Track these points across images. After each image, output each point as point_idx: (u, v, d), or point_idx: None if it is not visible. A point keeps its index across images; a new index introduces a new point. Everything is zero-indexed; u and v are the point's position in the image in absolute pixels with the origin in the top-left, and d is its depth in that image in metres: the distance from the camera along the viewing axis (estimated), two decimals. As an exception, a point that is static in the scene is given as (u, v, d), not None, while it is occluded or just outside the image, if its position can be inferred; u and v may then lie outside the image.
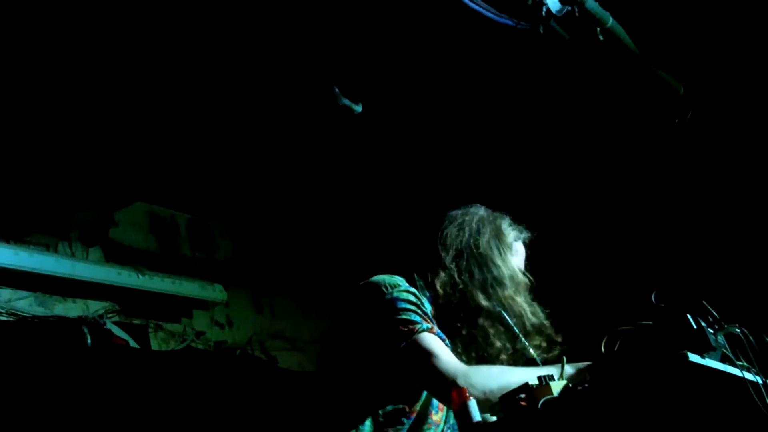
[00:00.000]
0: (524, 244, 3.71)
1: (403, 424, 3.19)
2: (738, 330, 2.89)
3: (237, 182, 7.02)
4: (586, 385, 2.72)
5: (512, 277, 3.46)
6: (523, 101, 6.28)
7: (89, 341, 6.20)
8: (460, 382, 2.93)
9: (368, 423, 3.15)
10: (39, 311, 6.28)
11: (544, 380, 2.75)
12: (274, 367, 7.65)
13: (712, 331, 2.79)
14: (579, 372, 2.97)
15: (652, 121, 6.11)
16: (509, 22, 4.73)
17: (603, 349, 2.96)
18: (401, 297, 3.16)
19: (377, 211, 7.26)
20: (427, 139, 6.51)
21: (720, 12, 5.63)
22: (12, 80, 5.34)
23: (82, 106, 5.53)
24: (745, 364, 2.87)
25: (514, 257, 3.58)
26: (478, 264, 3.43)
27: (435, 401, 3.26)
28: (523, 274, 3.60)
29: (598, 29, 4.94)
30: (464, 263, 3.43)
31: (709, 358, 2.69)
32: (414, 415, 3.22)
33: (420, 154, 6.69)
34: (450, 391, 2.90)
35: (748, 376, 2.82)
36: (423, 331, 3.07)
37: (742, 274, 6.16)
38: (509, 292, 3.41)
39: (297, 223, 7.88)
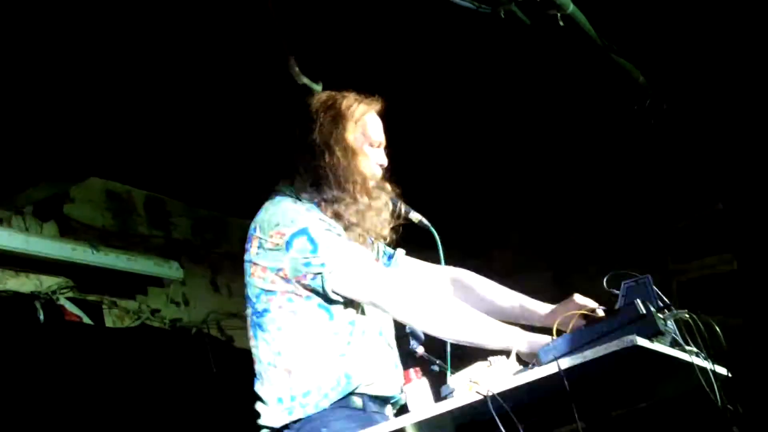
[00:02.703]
0: (379, 114, 3.64)
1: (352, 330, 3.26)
2: (687, 315, 2.91)
3: (195, 160, 6.98)
4: (536, 365, 2.74)
5: (349, 160, 3.42)
6: (482, 84, 6.28)
7: (42, 317, 6.17)
8: (386, 286, 3.14)
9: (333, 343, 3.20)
10: (-9, 286, 6.24)
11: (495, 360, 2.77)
12: (230, 347, 7.64)
13: (661, 316, 2.80)
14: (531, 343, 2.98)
15: (610, 107, 6.16)
16: (470, 5, 4.74)
17: (554, 332, 2.98)
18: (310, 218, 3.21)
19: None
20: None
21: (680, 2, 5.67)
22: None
23: (37, 80, 5.48)
24: (695, 349, 2.89)
25: (366, 132, 3.54)
26: (318, 154, 3.41)
27: None
28: (379, 146, 3.59)
29: (559, 15, 4.96)
30: (308, 156, 3.43)
31: (658, 342, 2.70)
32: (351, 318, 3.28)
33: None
34: (381, 299, 3.14)
35: (697, 361, 2.84)
36: (334, 247, 3.15)
37: (692, 259, 6.23)
38: (349, 175, 3.39)
39: (257, 204, 7.85)
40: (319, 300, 3.20)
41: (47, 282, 6.51)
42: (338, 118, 3.48)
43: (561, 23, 5.04)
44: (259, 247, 3.27)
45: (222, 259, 8.01)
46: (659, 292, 2.92)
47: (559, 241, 7.65)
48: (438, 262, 3.63)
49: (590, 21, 5.32)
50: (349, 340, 3.22)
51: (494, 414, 2.59)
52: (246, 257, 3.35)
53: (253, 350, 3.39)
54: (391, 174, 3.60)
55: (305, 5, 5.16)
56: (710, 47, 5.94)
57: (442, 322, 3.12)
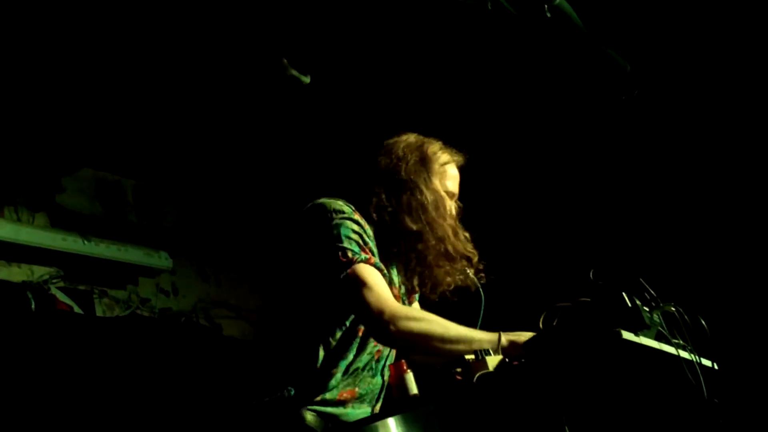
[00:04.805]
0: (458, 167, 3.79)
1: (351, 345, 3.29)
2: (674, 309, 2.93)
3: (185, 150, 6.99)
4: (522, 360, 2.76)
5: (436, 202, 3.57)
6: (469, 75, 6.29)
7: (33, 306, 6.17)
8: (386, 316, 3.06)
9: (321, 351, 3.23)
10: (-18, 276, 6.25)
11: (480, 355, 2.79)
12: (218, 335, 7.65)
13: (648, 309, 2.82)
14: (513, 345, 3.01)
15: (597, 97, 6.15)
16: (457, -4, 4.75)
17: (541, 325, 3.00)
18: (344, 224, 3.26)
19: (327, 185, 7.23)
20: (372, 111, 6.49)
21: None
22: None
23: (28, 73, 5.49)
24: (681, 342, 2.91)
25: (444, 181, 3.68)
26: (403, 189, 3.53)
27: None
28: (452, 198, 3.72)
29: (546, 6, 4.96)
30: (391, 188, 3.54)
31: (644, 336, 2.72)
32: (360, 333, 3.32)
33: (366, 126, 6.68)
34: (374, 323, 3.10)
35: (683, 354, 2.87)
36: (361, 261, 3.17)
37: (681, 252, 6.23)
38: (433, 215, 3.51)
39: (246, 195, 7.86)
40: None
41: (38, 271, 6.52)
42: (425, 161, 3.64)
43: (548, 14, 5.04)
44: None
45: (211, 249, 8.02)
46: (647, 285, 2.94)
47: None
48: (476, 321, 3.63)
49: (577, 11, 5.33)
50: None
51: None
52: None
53: None
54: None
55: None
56: (699, 40, 5.95)
57: (431, 345, 3.10)
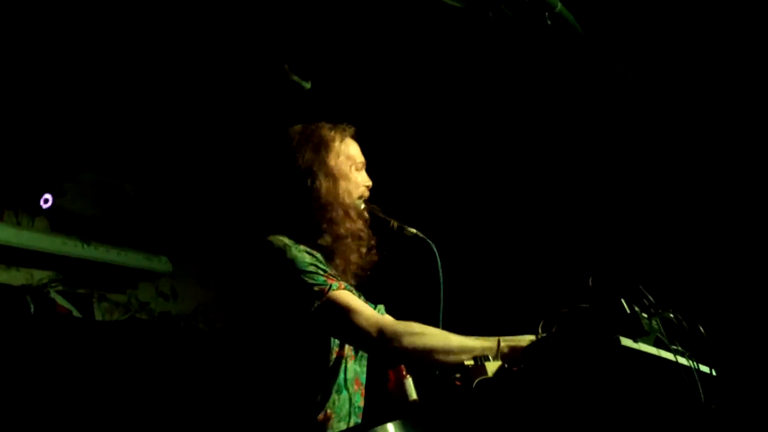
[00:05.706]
0: (353, 138, 3.73)
1: (323, 369, 3.28)
2: (672, 315, 2.93)
3: (186, 155, 6.99)
4: (521, 366, 2.76)
5: (333, 182, 3.51)
6: (470, 81, 6.30)
7: (32, 309, 6.18)
8: (388, 334, 3.03)
9: (294, 378, 3.22)
10: (-18, 279, 6.25)
11: (480, 361, 2.79)
12: (217, 340, 7.65)
13: (646, 315, 2.82)
14: (513, 350, 3.01)
15: (597, 105, 6.16)
16: (458, 5, 4.76)
17: (540, 331, 3.00)
18: (298, 258, 3.20)
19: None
20: (374, 118, 6.50)
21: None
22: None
23: (31, 78, 5.50)
24: (680, 348, 2.92)
25: (349, 153, 3.63)
26: (309, 182, 3.47)
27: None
28: (363, 167, 3.70)
29: (547, 13, 4.98)
30: (300, 188, 3.48)
31: (643, 342, 2.73)
32: (334, 356, 3.31)
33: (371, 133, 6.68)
34: (375, 344, 3.06)
35: (681, 360, 2.87)
36: (333, 289, 3.13)
37: (680, 260, 6.23)
38: (331, 197, 3.47)
39: (247, 200, 7.84)
40: None
41: (38, 275, 6.52)
42: (320, 146, 3.56)
43: (549, 22, 5.05)
44: None
45: (211, 254, 8.02)
46: (646, 292, 2.95)
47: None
48: (436, 273, 3.61)
49: (578, 19, 5.34)
50: None
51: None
52: None
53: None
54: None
55: (296, 6, 5.18)
56: (700, 48, 5.95)
57: (433, 359, 3.06)
